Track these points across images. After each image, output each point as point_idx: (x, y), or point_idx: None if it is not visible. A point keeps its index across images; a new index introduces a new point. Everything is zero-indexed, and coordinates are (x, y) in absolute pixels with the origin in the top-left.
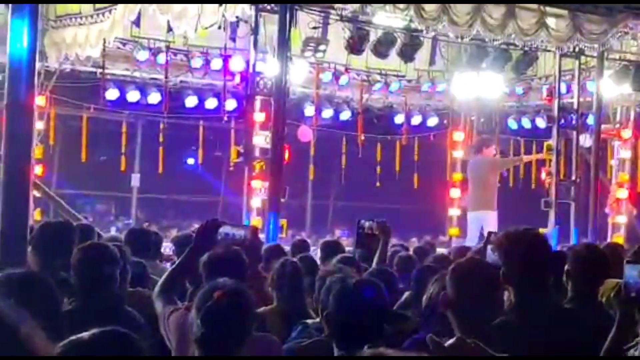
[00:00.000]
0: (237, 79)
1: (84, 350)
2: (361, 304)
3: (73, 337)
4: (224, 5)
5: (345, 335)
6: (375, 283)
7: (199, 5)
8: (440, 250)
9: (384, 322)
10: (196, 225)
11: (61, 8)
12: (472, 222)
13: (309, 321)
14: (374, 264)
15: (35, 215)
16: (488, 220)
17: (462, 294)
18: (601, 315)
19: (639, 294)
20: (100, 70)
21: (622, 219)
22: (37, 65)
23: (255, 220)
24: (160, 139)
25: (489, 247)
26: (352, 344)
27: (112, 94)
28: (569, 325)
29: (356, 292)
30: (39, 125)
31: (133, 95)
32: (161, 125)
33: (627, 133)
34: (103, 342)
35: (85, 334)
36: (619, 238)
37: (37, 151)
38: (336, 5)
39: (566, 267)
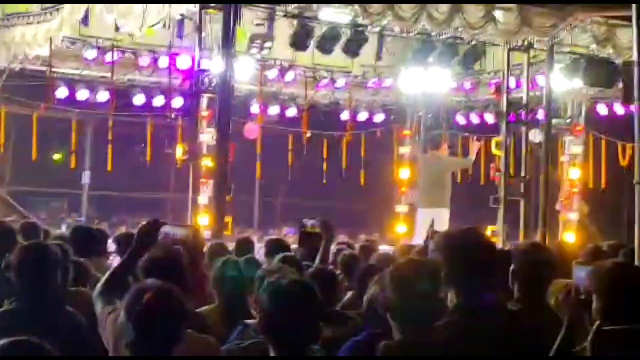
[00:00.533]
0: (182, 76)
1: None
2: (293, 304)
3: None
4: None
5: (280, 336)
6: (308, 283)
7: (144, 4)
8: (387, 248)
9: (321, 323)
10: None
11: (10, 7)
12: (422, 218)
13: (249, 321)
14: (316, 263)
15: None
16: (440, 217)
17: (401, 297)
18: (547, 317)
19: (588, 296)
20: (49, 69)
21: (573, 216)
22: None
23: (202, 217)
24: (109, 137)
25: (430, 246)
26: (287, 345)
27: (61, 92)
28: (514, 326)
29: (288, 293)
30: None
31: (82, 94)
32: (110, 123)
33: (579, 128)
34: (13, 354)
35: None
36: (570, 235)
37: None
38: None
39: (512, 267)
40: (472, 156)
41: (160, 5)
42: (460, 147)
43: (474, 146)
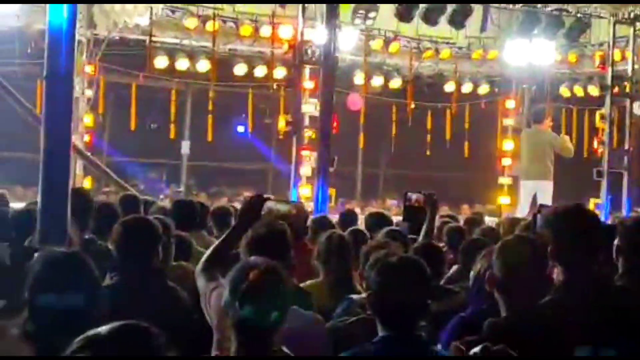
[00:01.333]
0: (286, 46)
1: (101, 347)
2: (403, 283)
3: (90, 333)
4: None
5: (389, 314)
6: (418, 260)
7: None
8: (491, 220)
9: (429, 299)
10: (245, 194)
11: None
12: (526, 191)
13: (355, 297)
14: (420, 238)
15: (86, 184)
16: (544, 189)
17: (509, 274)
18: None
19: None
20: (149, 38)
21: None
22: (87, 33)
23: (304, 188)
24: (210, 107)
25: (538, 222)
26: (396, 323)
27: (160, 61)
28: (620, 302)
29: (398, 271)
30: (88, 93)
31: (182, 63)
32: (210, 93)
33: None
34: (121, 338)
35: (103, 329)
36: None
37: (86, 119)
38: None
39: (616, 242)
40: (570, 146)
41: None
42: (564, 121)
43: (564, 139)
